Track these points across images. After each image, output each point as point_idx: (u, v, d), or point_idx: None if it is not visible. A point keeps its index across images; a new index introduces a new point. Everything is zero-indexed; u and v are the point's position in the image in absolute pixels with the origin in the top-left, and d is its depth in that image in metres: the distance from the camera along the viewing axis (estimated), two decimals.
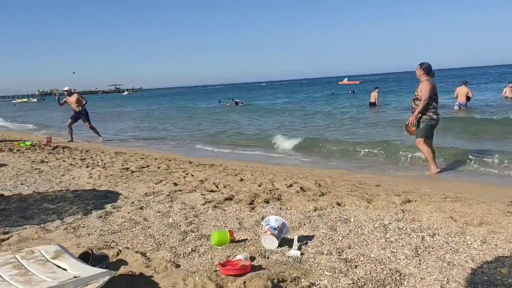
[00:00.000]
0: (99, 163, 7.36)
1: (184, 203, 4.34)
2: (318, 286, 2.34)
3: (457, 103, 15.80)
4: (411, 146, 7.52)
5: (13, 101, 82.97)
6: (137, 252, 2.93)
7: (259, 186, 5.17)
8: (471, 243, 2.93)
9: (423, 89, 5.94)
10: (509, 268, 2.51)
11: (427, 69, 6.02)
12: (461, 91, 15.75)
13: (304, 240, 3.07)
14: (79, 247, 3.01)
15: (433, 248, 2.87)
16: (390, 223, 3.43)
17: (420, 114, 6.00)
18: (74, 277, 2.09)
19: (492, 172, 6.20)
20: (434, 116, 6.02)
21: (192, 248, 2.99)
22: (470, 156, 7.12)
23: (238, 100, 29.78)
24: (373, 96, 20.42)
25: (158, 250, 3.00)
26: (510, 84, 18.84)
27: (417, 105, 6.00)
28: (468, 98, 15.56)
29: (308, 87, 69.35)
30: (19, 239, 3.27)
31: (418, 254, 2.76)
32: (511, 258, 2.65)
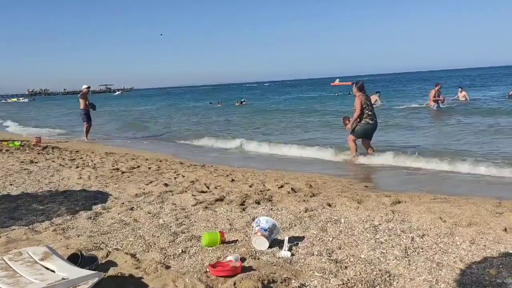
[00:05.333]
0: (89, 164, 7.30)
1: (175, 204, 4.32)
2: (308, 287, 2.35)
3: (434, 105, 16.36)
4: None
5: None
6: (127, 253, 2.91)
7: (250, 187, 5.17)
8: (460, 244, 2.95)
9: (355, 104, 7.28)
10: (497, 268, 2.54)
11: (360, 87, 7.41)
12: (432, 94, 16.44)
13: (294, 241, 3.07)
14: (68, 248, 2.98)
15: (422, 248, 2.89)
16: (380, 224, 3.45)
17: (358, 120, 7.29)
18: (63, 278, 2.07)
19: (480, 173, 6.23)
20: (370, 122, 7.30)
21: (182, 249, 2.98)
22: (458, 156, 7.17)
23: (243, 100, 30.41)
24: (373, 98, 20.94)
25: (148, 251, 2.98)
26: (460, 89, 20.46)
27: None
28: (436, 101, 16.17)
29: (299, 87, 68.94)
30: (7, 240, 3.23)
31: (407, 254, 2.78)
32: (500, 258, 2.68)
